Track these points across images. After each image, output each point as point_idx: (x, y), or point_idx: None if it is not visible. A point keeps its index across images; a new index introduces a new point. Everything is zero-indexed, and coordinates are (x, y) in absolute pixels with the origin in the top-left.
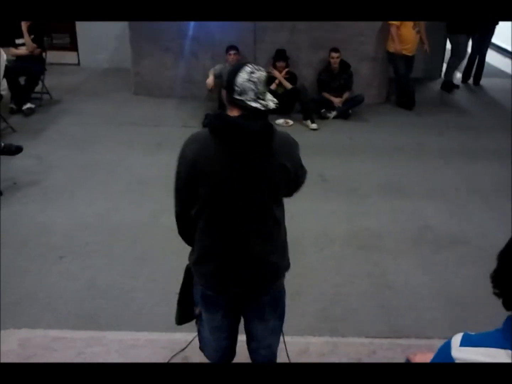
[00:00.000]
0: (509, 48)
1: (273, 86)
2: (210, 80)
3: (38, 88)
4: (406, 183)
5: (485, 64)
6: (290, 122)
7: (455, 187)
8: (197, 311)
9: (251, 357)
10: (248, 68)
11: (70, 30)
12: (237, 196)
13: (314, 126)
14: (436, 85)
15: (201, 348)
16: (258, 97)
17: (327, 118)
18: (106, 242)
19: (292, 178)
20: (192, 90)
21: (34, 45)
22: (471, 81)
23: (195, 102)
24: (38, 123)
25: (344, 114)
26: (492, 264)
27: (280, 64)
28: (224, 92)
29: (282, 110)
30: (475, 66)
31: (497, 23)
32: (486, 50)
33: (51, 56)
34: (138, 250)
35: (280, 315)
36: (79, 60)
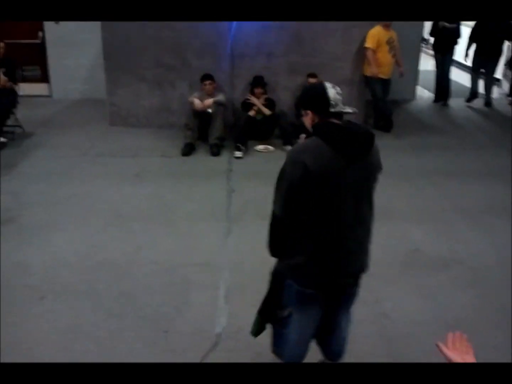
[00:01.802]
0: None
1: (252, 113)
2: (198, 101)
3: (10, 121)
4: (391, 206)
5: (459, 85)
6: (271, 148)
7: (441, 208)
8: (285, 313)
9: (325, 350)
10: (328, 84)
11: (41, 62)
12: (349, 198)
13: None
14: (412, 106)
15: (276, 352)
16: (344, 104)
17: None
18: (89, 280)
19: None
20: (169, 119)
21: (6, 78)
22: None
23: (172, 131)
24: (11, 158)
25: None
26: (486, 284)
27: (258, 90)
28: (310, 115)
29: (262, 136)
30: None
31: (456, 43)
32: (448, 69)
33: (23, 89)
34: (123, 287)
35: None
36: (51, 91)
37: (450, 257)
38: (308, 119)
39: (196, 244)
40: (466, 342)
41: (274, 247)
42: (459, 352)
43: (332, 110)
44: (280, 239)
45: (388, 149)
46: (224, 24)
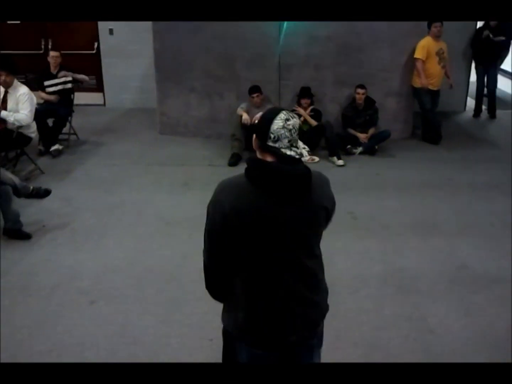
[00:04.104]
0: None
1: None
2: (247, 116)
3: (65, 129)
4: (438, 219)
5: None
6: (316, 158)
7: (489, 223)
8: None
9: None
10: (283, 115)
11: (96, 72)
12: (281, 245)
13: (340, 162)
14: (461, 118)
15: None
16: (292, 144)
17: (353, 154)
18: (137, 285)
19: (330, 216)
20: (218, 129)
21: (53, 96)
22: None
23: (220, 141)
24: (65, 164)
25: (370, 149)
26: None
27: (305, 101)
28: (255, 138)
29: (307, 147)
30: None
31: (500, 56)
32: (494, 82)
33: (78, 98)
34: (170, 294)
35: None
36: (104, 100)
37: (497, 274)
38: (253, 142)
39: None
40: None
41: (211, 293)
42: None
43: (269, 144)
44: (213, 286)
45: (435, 162)
46: (273, 35)
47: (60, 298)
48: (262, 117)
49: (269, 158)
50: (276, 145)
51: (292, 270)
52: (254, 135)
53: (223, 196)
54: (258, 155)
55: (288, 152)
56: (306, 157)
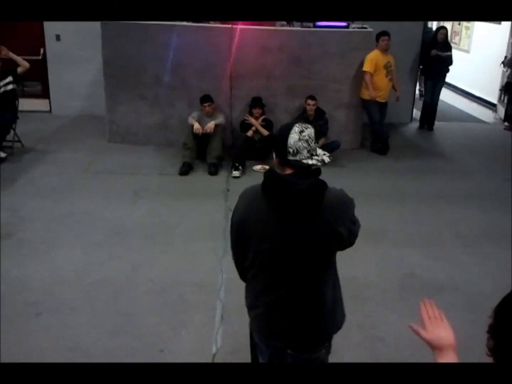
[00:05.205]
0: (476, 94)
1: (249, 133)
2: (198, 125)
3: (9, 136)
4: (388, 229)
5: (455, 109)
6: (268, 168)
7: (437, 232)
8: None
9: None
10: (296, 128)
11: (42, 78)
12: (284, 256)
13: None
14: (407, 129)
15: None
16: (312, 153)
17: None
18: (86, 297)
19: (346, 238)
20: (168, 137)
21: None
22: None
23: (171, 150)
24: (10, 173)
25: None
26: (480, 310)
27: (256, 111)
28: (275, 157)
29: (259, 156)
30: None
31: (448, 70)
32: (439, 96)
33: (23, 104)
34: (120, 305)
35: None
36: (50, 107)
37: (445, 282)
38: (274, 160)
39: (192, 264)
40: (437, 312)
41: (243, 279)
42: (434, 330)
43: (290, 158)
44: (242, 275)
45: (384, 172)
46: (224, 45)
47: (5, 310)
48: (277, 135)
49: (288, 171)
50: (297, 157)
51: (292, 284)
52: (274, 154)
53: (240, 202)
54: (278, 169)
55: (310, 162)
56: (328, 161)
